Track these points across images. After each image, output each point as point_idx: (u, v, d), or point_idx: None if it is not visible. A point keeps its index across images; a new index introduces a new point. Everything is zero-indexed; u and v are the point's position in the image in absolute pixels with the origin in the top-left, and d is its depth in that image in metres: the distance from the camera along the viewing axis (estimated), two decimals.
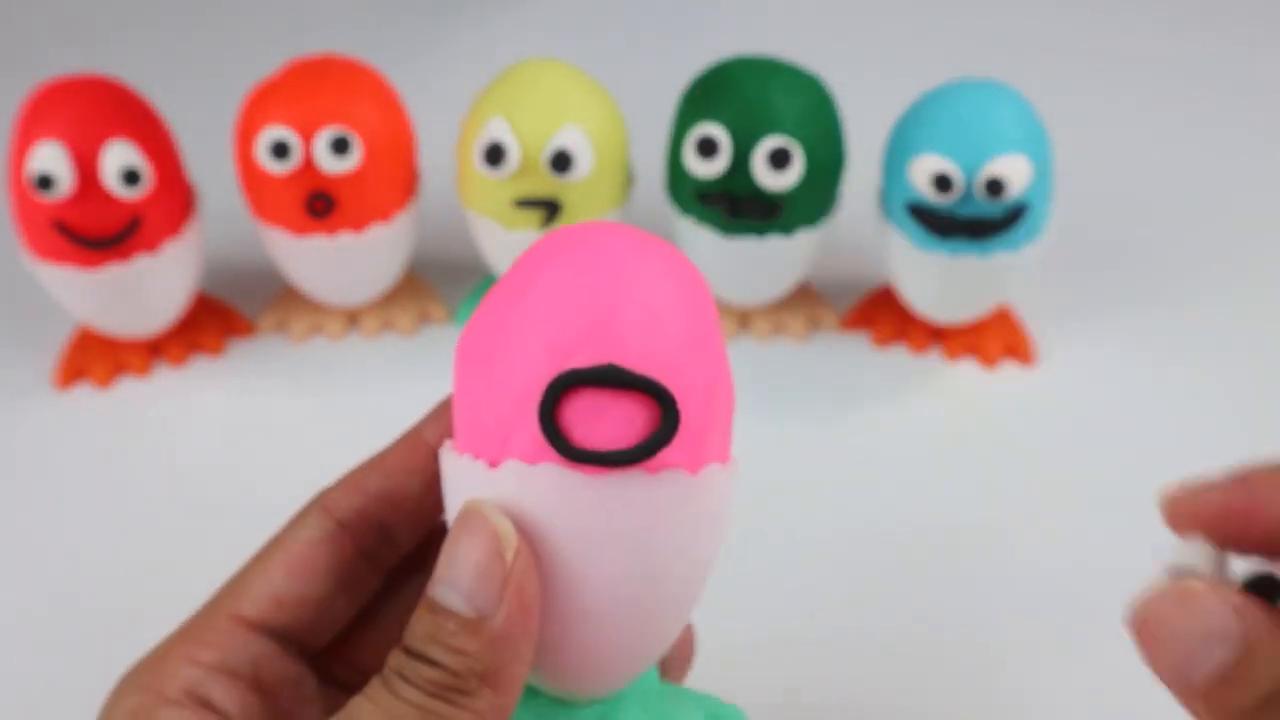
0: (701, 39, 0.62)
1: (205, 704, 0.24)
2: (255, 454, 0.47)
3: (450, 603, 0.21)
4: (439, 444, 0.26)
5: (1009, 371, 0.50)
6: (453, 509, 0.23)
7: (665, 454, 0.22)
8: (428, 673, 0.21)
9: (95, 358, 0.50)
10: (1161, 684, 0.20)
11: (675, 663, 0.28)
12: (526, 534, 0.22)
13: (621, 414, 0.21)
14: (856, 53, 0.68)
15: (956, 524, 0.44)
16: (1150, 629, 0.20)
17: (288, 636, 0.25)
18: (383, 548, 0.27)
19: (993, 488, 0.45)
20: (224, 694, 0.24)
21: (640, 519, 0.22)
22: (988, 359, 0.50)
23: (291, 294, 0.53)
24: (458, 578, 0.21)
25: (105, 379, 0.49)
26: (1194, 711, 0.20)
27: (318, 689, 0.26)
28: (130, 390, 0.50)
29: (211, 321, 0.52)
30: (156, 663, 0.25)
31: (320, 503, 0.26)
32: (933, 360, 0.51)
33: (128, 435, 0.48)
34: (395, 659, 0.22)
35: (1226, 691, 0.19)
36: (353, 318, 0.52)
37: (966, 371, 0.50)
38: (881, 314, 0.52)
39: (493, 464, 0.22)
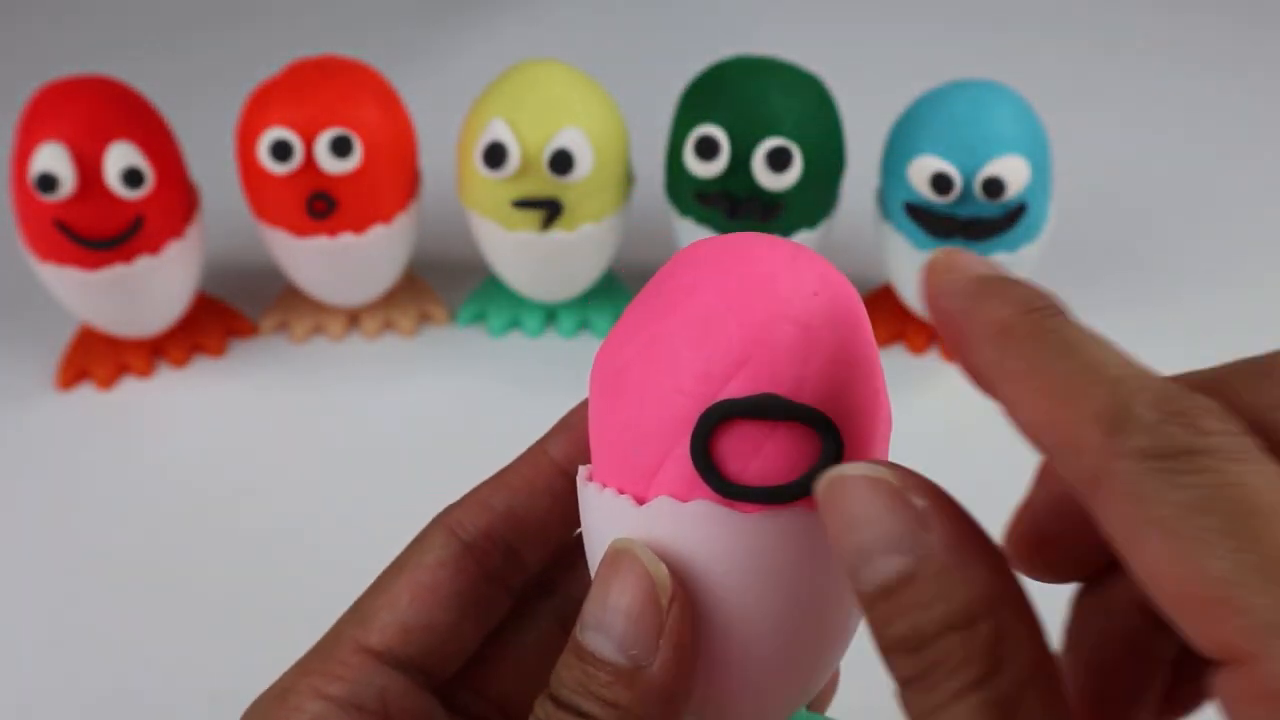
0: (701, 39, 0.62)
1: None
2: (257, 454, 0.47)
3: (602, 650, 0.20)
4: (565, 460, 0.25)
5: None
6: (595, 545, 0.22)
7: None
8: None
9: (97, 358, 0.50)
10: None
11: (822, 694, 0.27)
12: (679, 576, 0.20)
13: (780, 446, 0.20)
14: (856, 53, 0.68)
15: None
16: (834, 508, 0.18)
17: (415, 666, 0.24)
18: (509, 569, 0.25)
19: (992, 488, 0.45)
20: None
21: (799, 557, 0.20)
22: None
23: (292, 294, 0.53)
24: (611, 624, 0.20)
25: (107, 379, 0.49)
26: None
27: None
28: (132, 390, 0.50)
29: (213, 322, 0.52)
30: (280, 696, 0.23)
31: (444, 523, 0.25)
32: (932, 360, 0.51)
33: (129, 436, 0.48)
34: (543, 709, 0.21)
35: (886, 610, 0.18)
36: (353, 318, 0.53)
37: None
38: (880, 314, 0.52)
39: (640, 500, 0.21)
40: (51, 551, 0.44)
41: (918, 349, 0.51)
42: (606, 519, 0.21)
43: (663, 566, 0.20)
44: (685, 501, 0.20)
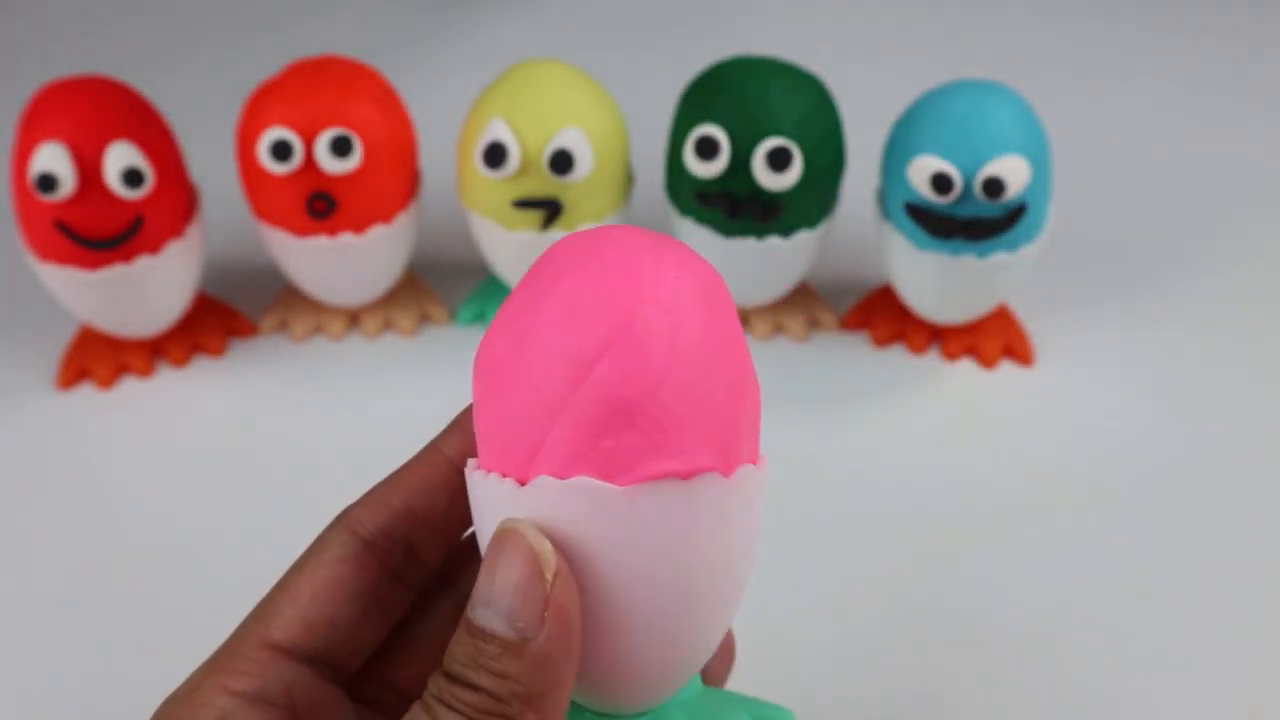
0: (701, 39, 0.62)
1: None
2: (257, 454, 0.47)
3: (491, 625, 0.21)
4: (459, 457, 0.26)
5: (1007, 372, 0.50)
6: (484, 529, 0.23)
7: (697, 458, 0.21)
8: (469, 697, 0.21)
9: (97, 358, 0.50)
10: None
11: (716, 666, 0.28)
12: (563, 550, 0.21)
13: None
14: (856, 53, 0.69)
15: (955, 524, 0.44)
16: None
17: (320, 660, 0.25)
18: (410, 566, 0.26)
19: (991, 488, 0.46)
20: None
21: (677, 526, 0.21)
22: (986, 359, 0.50)
23: (292, 294, 0.53)
24: (498, 599, 0.21)
25: (107, 379, 0.49)
26: None
27: (353, 712, 0.26)
28: (132, 390, 0.50)
29: (213, 322, 0.52)
30: (188, 695, 0.24)
31: (344, 522, 0.26)
32: (931, 360, 0.51)
33: (129, 435, 0.48)
34: (435, 684, 0.22)
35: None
36: (353, 318, 0.53)
37: (965, 372, 0.50)
38: (880, 314, 0.52)
39: (521, 481, 0.22)
40: (51, 551, 0.44)
41: (917, 349, 0.51)
42: (493, 503, 0.22)
43: (546, 542, 0.21)
44: (565, 479, 0.21)
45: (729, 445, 0.22)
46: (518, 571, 0.21)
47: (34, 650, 0.40)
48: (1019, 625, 0.40)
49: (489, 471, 0.23)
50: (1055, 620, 0.41)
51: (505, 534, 0.21)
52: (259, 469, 0.47)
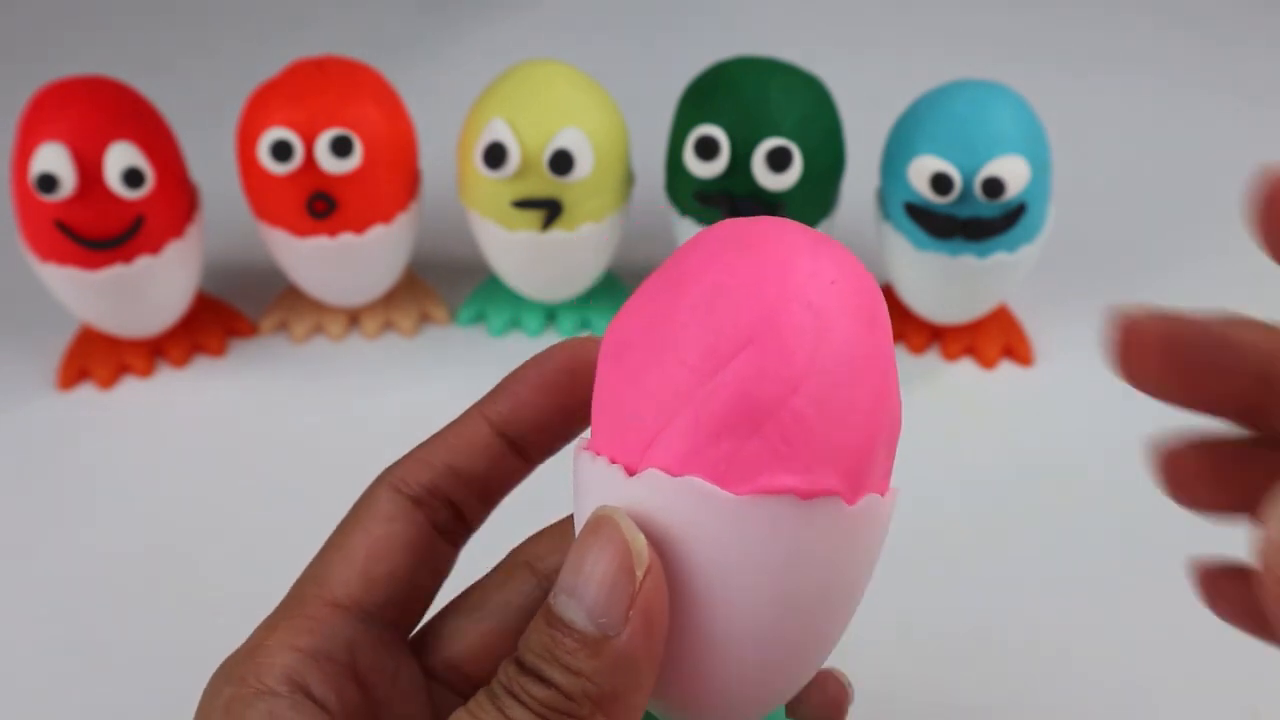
0: (701, 39, 0.62)
1: (304, 692, 0.23)
2: (257, 454, 0.47)
3: (571, 616, 0.20)
4: (499, 422, 0.25)
5: (1007, 371, 0.50)
6: (582, 514, 0.22)
7: (822, 479, 0.20)
8: (539, 692, 0.20)
9: (97, 358, 0.50)
10: None
11: (818, 708, 0.26)
12: (659, 550, 0.20)
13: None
14: (856, 53, 0.69)
15: (954, 523, 0.44)
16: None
17: (377, 618, 0.24)
18: (455, 524, 0.26)
19: (991, 487, 0.46)
20: (322, 683, 0.23)
21: (785, 547, 0.20)
22: (986, 359, 0.50)
23: (293, 294, 0.53)
24: (582, 589, 0.20)
25: (107, 379, 0.49)
26: None
27: (415, 681, 0.25)
28: (132, 390, 0.50)
29: (213, 322, 0.52)
30: (251, 653, 0.23)
31: (388, 481, 0.25)
32: (931, 360, 0.51)
33: (130, 435, 0.48)
34: (506, 672, 0.21)
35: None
36: (354, 318, 0.53)
37: (965, 371, 0.50)
38: None
39: (631, 471, 0.20)
40: (51, 551, 0.44)
41: (917, 349, 0.51)
42: (595, 488, 0.21)
43: (641, 537, 0.20)
44: (676, 476, 0.20)
45: (859, 470, 0.20)
46: (606, 563, 0.20)
47: (34, 650, 0.40)
48: (1019, 625, 0.40)
49: (598, 455, 0.21)
50: (1055, 620, 0.41)
51: (599, 522, 0.20)
52: (259, 469, 0.47)
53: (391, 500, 0.25)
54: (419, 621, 0.26)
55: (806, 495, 0.20)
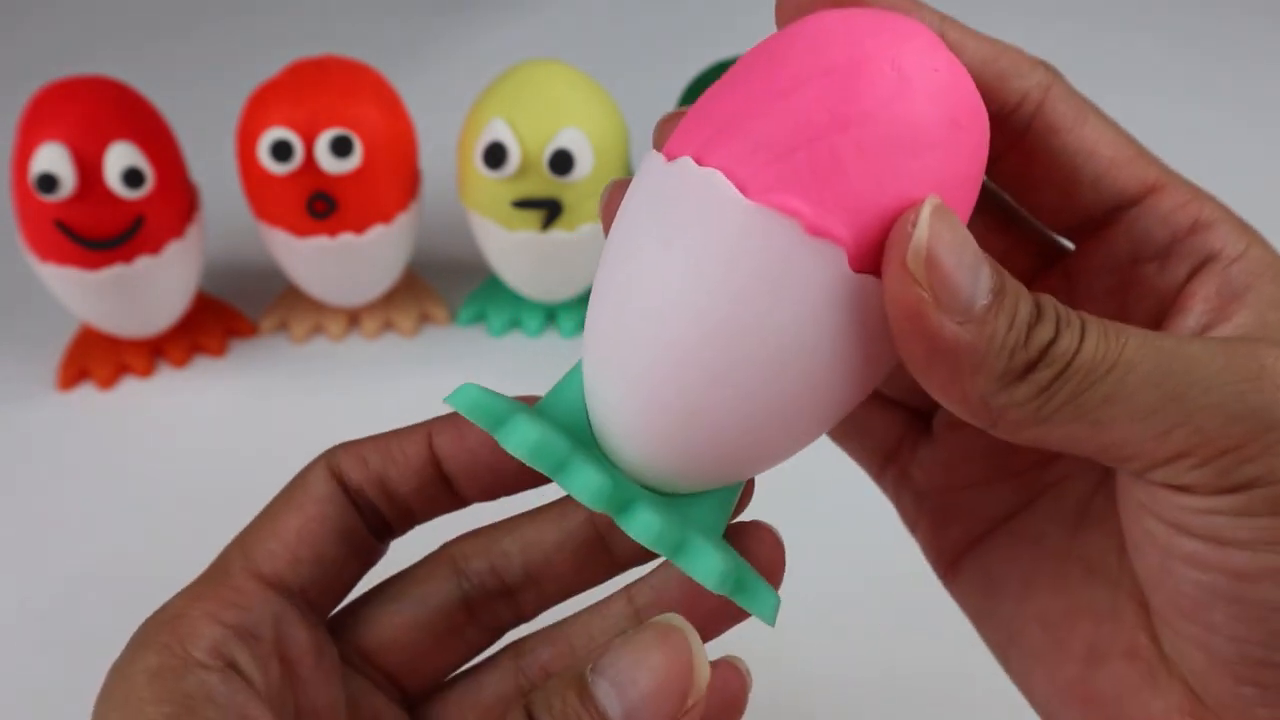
0: (701, 39, 0.62)
1: (233, 667, 0.22)
2: (257, 454, 0.47)
3: (607, 706, 0.19)
4: (440, 453, 0.25)
5: None
6: (629, 206, 0.21)
7: (831, 222, 0.19)
8: None
9: (97, 358, 0.50)
10: (931, 338, 0.18)
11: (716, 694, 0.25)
12: (664, 232, 0.20)
13: None
14: None
15: None
16: (936, 260, 0.18)
17: (301, 598, 0.24)
18: (382, 525, 0.25)
19: None
20: (248, 659, 0.22)
21: (774, 271, 0.19)
22: None
23: (293, 294, 0.53)
24: (629, 688, 0.19)
25: (107, 379, 0.49)
26: (969, 374, 0.18)
27: (334, 664, 0.25)
28: (132, 390, 0.50)
29: (213, 322, 0.52)
30: (174, 620, 0.22)
31: (327, 462, 0.25)
32: None
33: (130, 435, 0.48)
34: None
35: (994, 317, 0.18)
36: (354, 318, 0.53)
37: None
38: None
39: (669, 158, 0.20)
40: (51, 551, 0.44)
41: None
42: (643, 176, 0.21)
43: (707, 668, 0.19)
44: (703, 166, 0.20)
45: (872, 238, 0.19)
46: (664, 676, 0.19)
47: (34, 650, 0.40)
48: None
49: (660, 152, 0.21)
50: None
51: (673, 630, 0.19)
52: (259, 469, 0.47)
53: (327, 483, 0.24)
54: (339, 604, 0.25)
55: (811, 229, 0.19)
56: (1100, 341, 0.18)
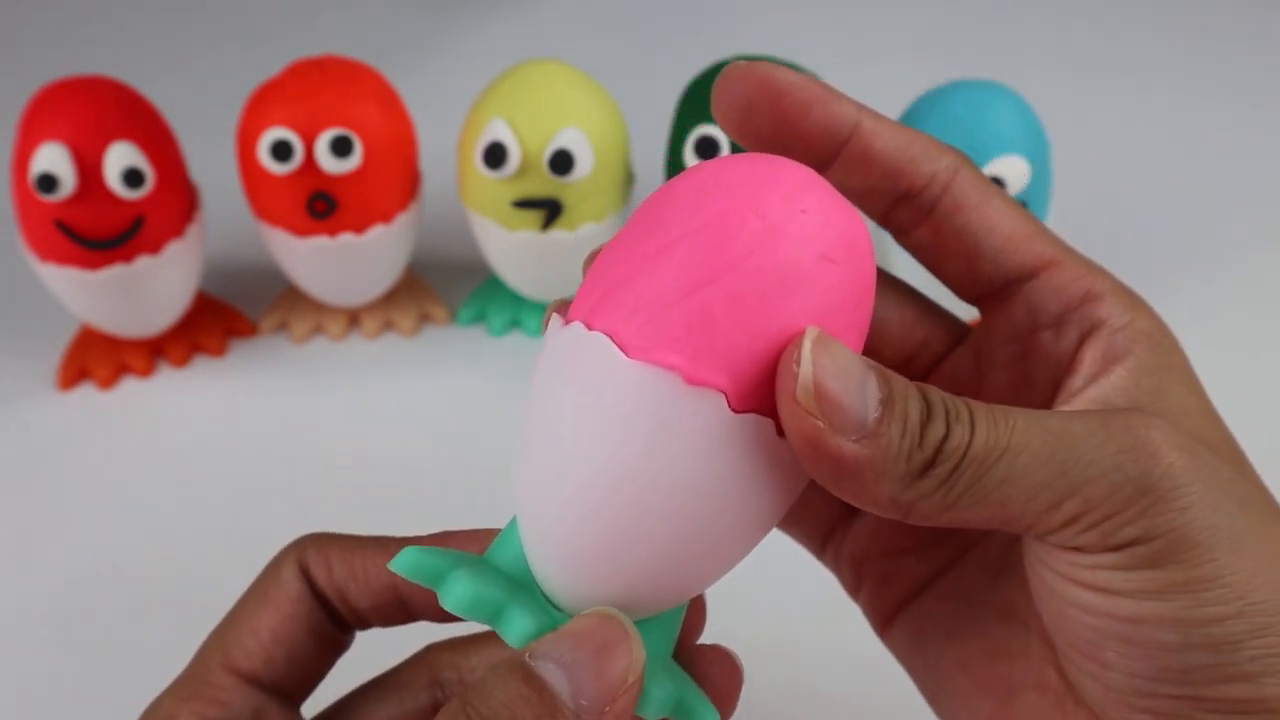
0: (701, 40, 0.62)
1: None
2: (257, 454, 0.47)
3: (556, 686, 0.20)
4: (400, 577, 0.25)
5: None
6: (541, 369, 0.23)
7: (706, 372, 0.20)
8: None
9: (97, 358, 0.50)
10: (835, 469, 0.20)
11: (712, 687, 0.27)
12: (556, 389, 0.21)
13: None
14: (856, 53, 0.69)
15: None
16: (823, 390, 0.19)
17: (280, 691, 0.26)
18: (344, 624, 0.27)
19: None
20: None
21: (656, 421, 0.20)
22: None
23: (293, 294, 0.53)
24: (576, 667, 0.20)
25: (107, 379, 0.49)
26: (871, 488, 0.20)
27: None
28: (132, 390, 0.50)
29: (213, 322, 0.52)
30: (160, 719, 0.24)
31: (296, 556, 0.26)
32: None
33: (129, 435, 0.48)
34: (452, 716, 0.21)
35: (887, 428, 0.19)
36: (354, 318, 0.53)
37: None
38: None
39: (565, 323, 0.22)
40: (52, 551, 0.44)
41: None
42: (547, 340, 0.23)
43: (642, 647, 0.21)
44: (590, 329, 0.21)
45: (752, 382, 0.20)
46: (609, 657, 0.21)
47: (34, 650, 0.40)
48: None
49: (562, 317, 0.23)
50: None
51: (613, 619, 0.21)
52: (259, 469, 0.47)
53: (297, 580, 0.26)
54: (312, 692, 0.27)
55: (689, 379, 0.20)
56: (990, 430, 0.20)
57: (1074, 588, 0.21)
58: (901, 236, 0.24)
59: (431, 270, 0.54)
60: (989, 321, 0.24)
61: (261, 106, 0.46)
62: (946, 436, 0.20)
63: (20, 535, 0.44)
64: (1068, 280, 0.23)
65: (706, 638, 0.26)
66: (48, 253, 0.46)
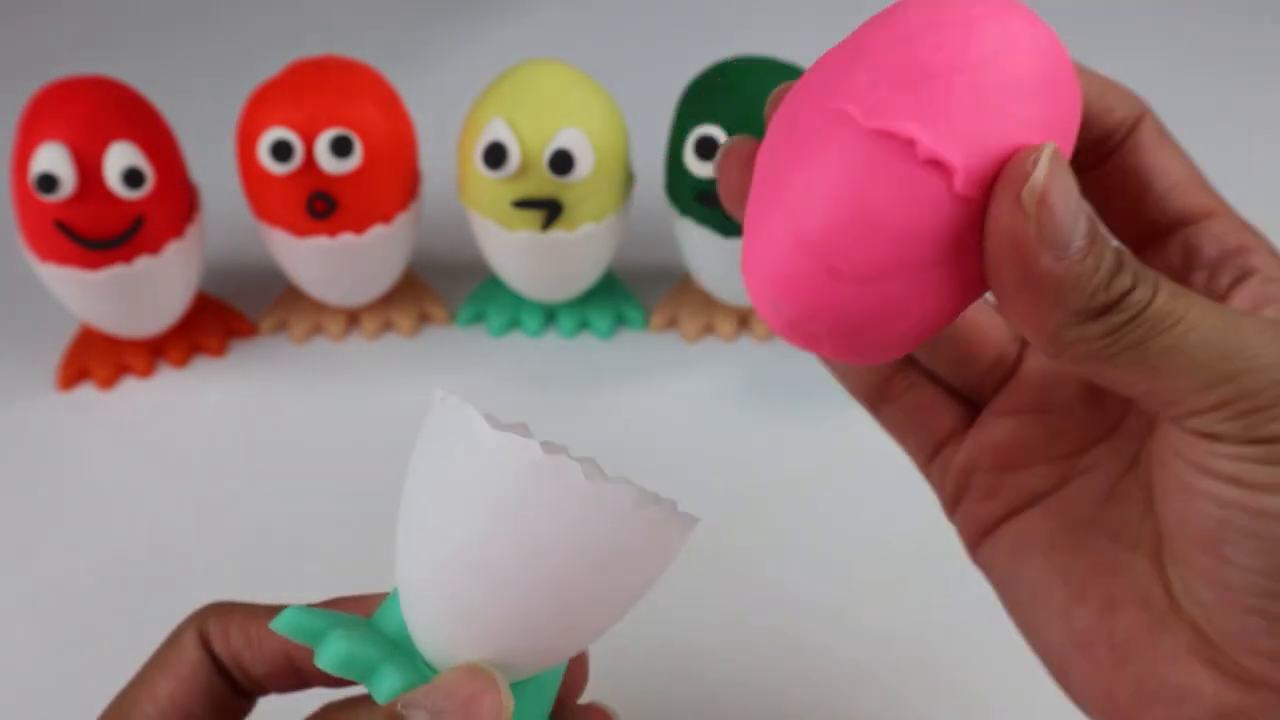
0: (701, 40, 0.62)
1: None
2: (256, 454, 0.47)
3: None
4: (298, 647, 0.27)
5: None
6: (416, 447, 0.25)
7: (945, 146, 0.20)
8: None
9: (97, 358, 0.50)
10: (1034, 273, 0.20)
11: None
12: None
13: None
14: None
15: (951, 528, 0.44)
16: (1048, 198, 0.20)
17: None
18: (243, 690, 0.28)
19: None
20: None
21: (512, 481, 0.22)
22: None
23: (293, 294, 0.53)
24: (446, 714, 0.22)
25: (107, 380, 0.49)
26: (1055, 306, 0.20)
27: None
28: (132, 391, 0.50)
29: (213, 322, 0.52)
30: None
31: (197, 625, 0.27)
32: None
33: (130, 436, 0.48)
34: None
35: (1085, 258, 0.20)
36: (353, 318, 0.53)
37: None
38: None
39: None
40: (51, 551, 0.44)
41: None
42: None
43: (511, 699, 0.23)
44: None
45: (978, 174, 0.21)
46: (477, 707, 0.22)
47: (34, 649, 0.40)
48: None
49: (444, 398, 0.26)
50: None
51: (477, 669, 0.23)
52: (259, 469, 0.47)
53: (196, 649, 0.27)
54: None
55: (922, 154, 0.20)
56: (1170, 299, 0.21)
57: (1207, 478, 0.21)
58: (1079, 173, 0.24)
59: (431, 270, 0.54)
60: (1142, 259, 0.25)
61: (261, 106, 0.46)
62: (1132, 290, 0.20)
63: (20, 535, 0.44)
64: (1227, 230, 0.24)
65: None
66: (48, 253, 0.46)
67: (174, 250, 0.47)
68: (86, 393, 0.50)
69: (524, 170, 0.46)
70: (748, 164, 0.23)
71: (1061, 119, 0.21)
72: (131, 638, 0.41)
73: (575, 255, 0.49)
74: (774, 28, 0.73)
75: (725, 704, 0.38)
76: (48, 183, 0.44)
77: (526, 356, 0.52)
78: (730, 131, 0.46)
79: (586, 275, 0.50)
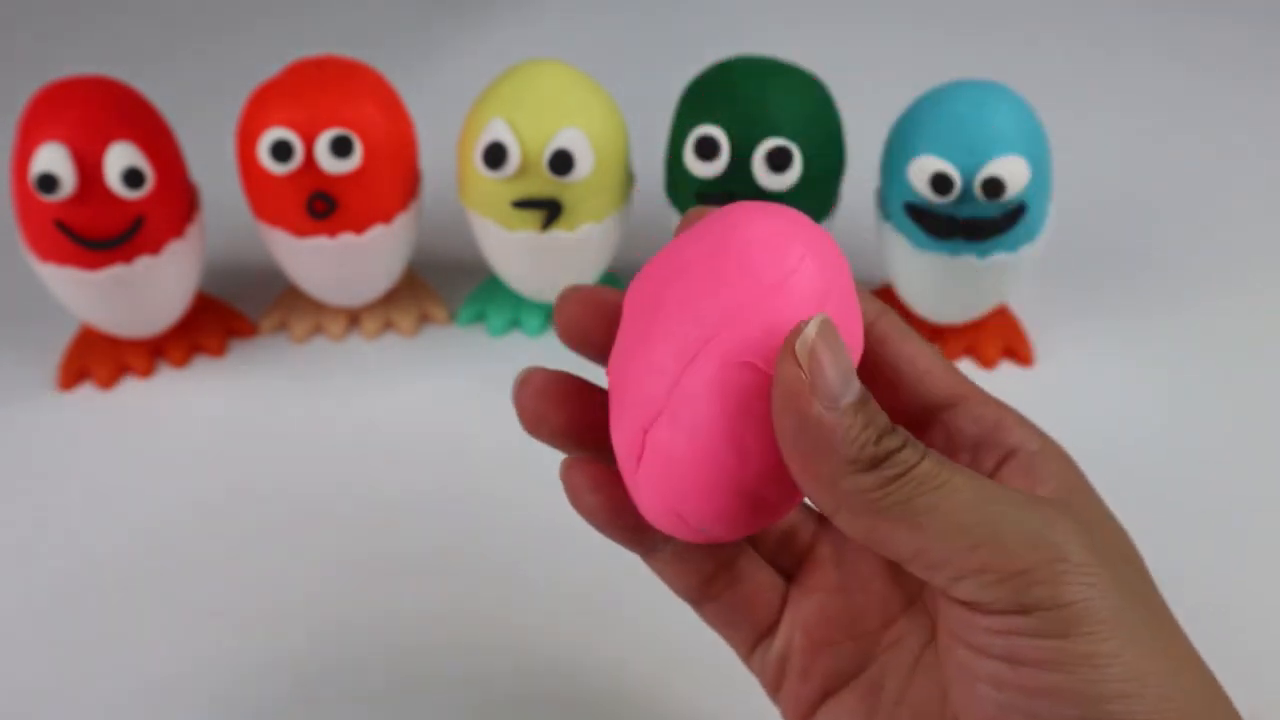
0: (701, 40, 0.62)
1: None
2: (257, 454, 0.47)
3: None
4: None
5: (1007, 372, 0.50)
6: None
7: None
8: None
9: (97, 358, 0.50)
10: (799, 425, 0.22)
11: None
12: None
13: None
14: (856, 53, 0.68)
15: None
16: (820, 354, 0.22)
17: None
18: None
19: None
20: None
21: None
22: (986, 359, 0.50)
23: (293, 294, 0.53)
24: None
25: (107, 380, 0.49)
26: (822, 463, 0.22)
27: None
28: (132, 391, 0.50)
29: (213, 322, 0.52)
30: None
31: None
32: None
33: (129, 436, 0.48)
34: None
35: (855, 413, 0.22)
36: (354, 318, 0.53)
37: (965, 372, 0.50)
38: None
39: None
40: (51, 551, 0.44)
41: None
42: None
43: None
44: None
45: None
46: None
47: (34, 649, 0.40)
48: None
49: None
50: None
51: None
52: (259, 469, 0.47)
53: None
54: None
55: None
56: (937, 464, 0.22)
57: (984, 660, 0.22)
58: None
59: (431, 270, 0.54)
60: None
61: (261, 106, 0.46)
62: (900, 449, 0.22)
63: (20, 535, 0.44)
64: (981, 412, 0.26)
65: None
66: (48, 253, 0.46)
67: (174, 250, 0.47)
68: (86, 393, 0.50)
69: (524, 170, 0.46)
70: (547, 396, 0.26)
71: (842, 320, 0.24)
72: (131, 638, 0.41)
73: (575, 255, 0.49)
74: (775, 28, 0.73)
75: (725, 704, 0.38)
76: (48, 183, 0.44)
77: (526, 356, 0.52)
78: (730, 131, 0.46)
79: (586, 275, 0.50)
